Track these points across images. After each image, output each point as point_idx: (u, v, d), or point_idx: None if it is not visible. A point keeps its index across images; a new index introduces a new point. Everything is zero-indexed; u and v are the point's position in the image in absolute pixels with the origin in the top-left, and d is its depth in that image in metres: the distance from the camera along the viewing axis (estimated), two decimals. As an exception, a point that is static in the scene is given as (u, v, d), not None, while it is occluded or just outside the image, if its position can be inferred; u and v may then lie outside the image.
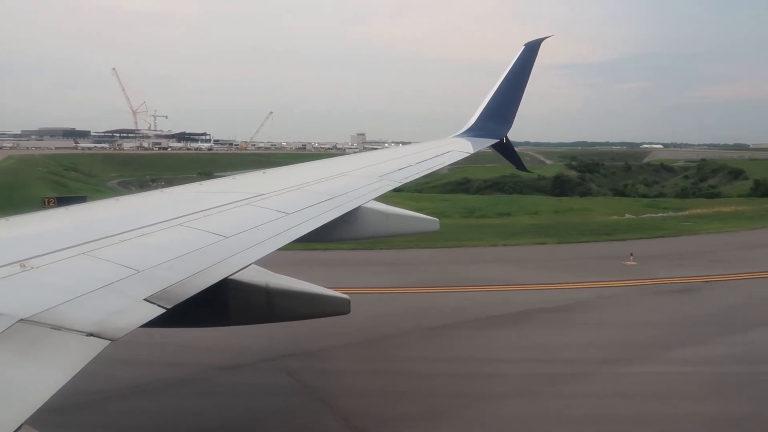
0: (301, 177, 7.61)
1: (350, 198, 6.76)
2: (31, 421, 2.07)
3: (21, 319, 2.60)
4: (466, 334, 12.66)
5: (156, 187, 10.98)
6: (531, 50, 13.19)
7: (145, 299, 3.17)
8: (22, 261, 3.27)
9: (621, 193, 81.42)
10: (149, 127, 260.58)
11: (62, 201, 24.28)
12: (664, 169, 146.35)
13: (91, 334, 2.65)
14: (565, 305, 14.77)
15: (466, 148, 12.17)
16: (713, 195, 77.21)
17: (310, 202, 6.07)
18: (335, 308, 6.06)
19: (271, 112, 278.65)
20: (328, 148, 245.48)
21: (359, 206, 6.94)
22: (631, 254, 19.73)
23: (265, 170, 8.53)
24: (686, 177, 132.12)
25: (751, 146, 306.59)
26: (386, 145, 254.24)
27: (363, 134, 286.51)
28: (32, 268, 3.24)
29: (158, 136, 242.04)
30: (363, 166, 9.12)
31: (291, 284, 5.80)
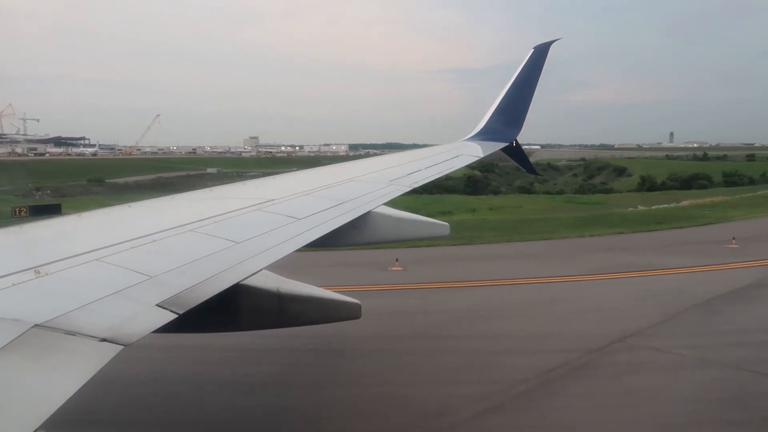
0: (310, 182, 7.64)
1: (360, 203, 6.76)
2: (46, 425, 2.09)
3: (36, 325, 2.62)
4: (732, 310, 14.23)
5: (42, 196, 11.04)
6: (540, 53, 13.16)
7: (157, 305, 3.18)
8: (36, 267, 3.31)
9: (528, 191, 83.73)
10: (18, 132, 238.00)
11: (35, 210, 24.09)
12: (551, 168, 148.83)
13: (104, 340, 2.67)
14: (758, 282, 16.79)
15: (475, 151, 12.16)
16: (607, 191, 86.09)
17: (320, 208, 6.08)
18: (346, 313, 6.06)
19: (158, 115, 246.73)
20: (221, 152, 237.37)
21: (369, 211, 6.94)
22: (734, 238, 22.36)
23: (274, 176, 8.57)
24: (575, 175, 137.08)
25: (615, 146, 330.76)
26: (283, 148, 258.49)
27: (256, 137, 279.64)
28: (46, 274, 3.28)
29: (31, 141, 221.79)
30: (372, 171, 9.13)
31: (302, 289, 5.81)
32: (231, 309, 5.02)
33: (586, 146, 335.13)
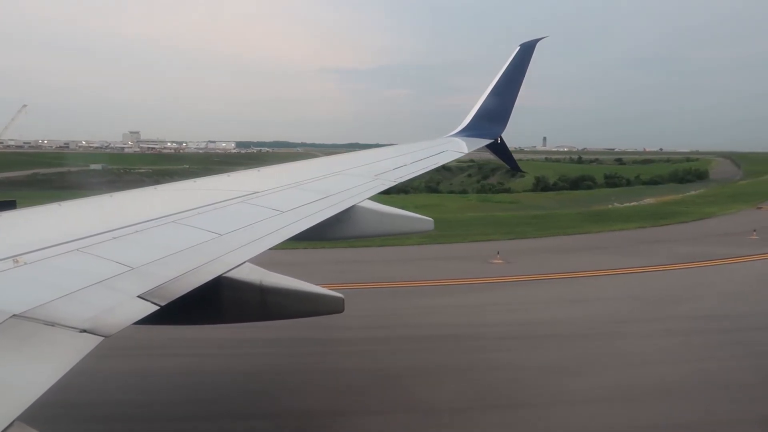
0: (296, 175, 7.60)
1: (345, 197, 6.75)
2: (24, 417, 2.06)
3: (14, 315, 2.58)
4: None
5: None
6: (526, 50, 13.22)
7: (139, 296, 3.15)
8: (15, 257, 3.25)
9: (434, 190, 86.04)
10: None
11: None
12: (444, 168, 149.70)
13: (84, 331, 2.64)
14: None
15: (460, 148, 12.19)
16: (504, 190, 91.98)
17: (304, 201, 6.06)
18: (329, 307, 6.05)
19: (25, 105, 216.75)
20: (97, 147, 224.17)
21: (354, 205, 6.93)
22: (754, 230, 24.34)
23: (259, 168, 8.51)
24: (469, 175, 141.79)
25: (544, 149, 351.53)
26: (168, 144, 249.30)
27: (137, 132, 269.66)
28: (25, 263, 3.23)
29: None
30: (358, 165, 9.11)
31: (285, 282, 5.78)
32: (213, 301, 4.99)
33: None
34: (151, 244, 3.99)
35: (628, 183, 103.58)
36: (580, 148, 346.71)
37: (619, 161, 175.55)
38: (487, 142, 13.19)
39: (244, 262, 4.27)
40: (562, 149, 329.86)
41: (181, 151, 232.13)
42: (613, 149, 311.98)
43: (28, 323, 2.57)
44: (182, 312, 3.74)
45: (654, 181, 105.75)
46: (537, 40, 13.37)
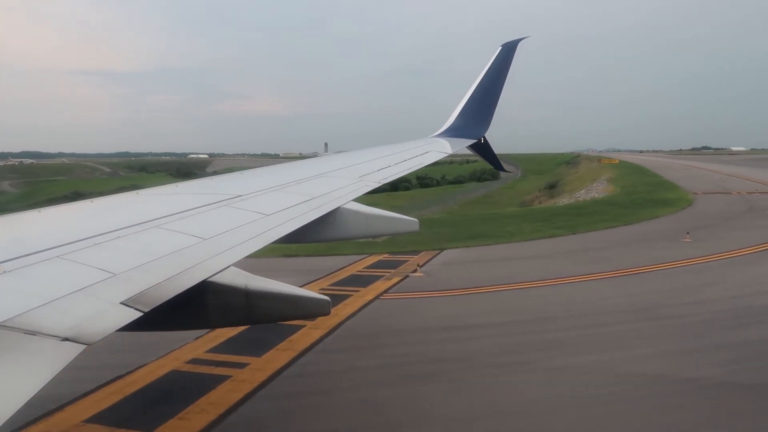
0: (279, 177, 7.57)
1: (330, 199, 6.74)
2: (5, 428, 2.04)
3: None
4: None
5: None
6: (508, 51, 13.31)
7: (121, 303, 3.13)
8: None
9: None
10: None
11: None
12: None
13: (66, 339, 2.61)
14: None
15: (444, 148, 12.24)
16: None
17: (289, 203, 6.04)
18: (315, 310, 6.03)
19: None
20: None
21: (338, 207, 6.93)
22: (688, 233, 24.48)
23: (243, 171, 8.47)
24: None
25: (281, 155, 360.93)
26: None
27: None
28: (5, 272, 3.18)
29: None
30: (342, 166, 9.10)
31: (271, 286, 5.76)
32: (198, 306, 4.96)
33: (256, 155, 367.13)
34: (134, 250, 3.95)
35: (438, 183, 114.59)
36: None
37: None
38: (471, 142, 13.26)
39: (229, 266, 4.25)
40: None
41: None
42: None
43: (8, 333, 2.54)
44: (166, 318, 3.71)
45: (459, 180, 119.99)
46: (519, 40, 13.47)
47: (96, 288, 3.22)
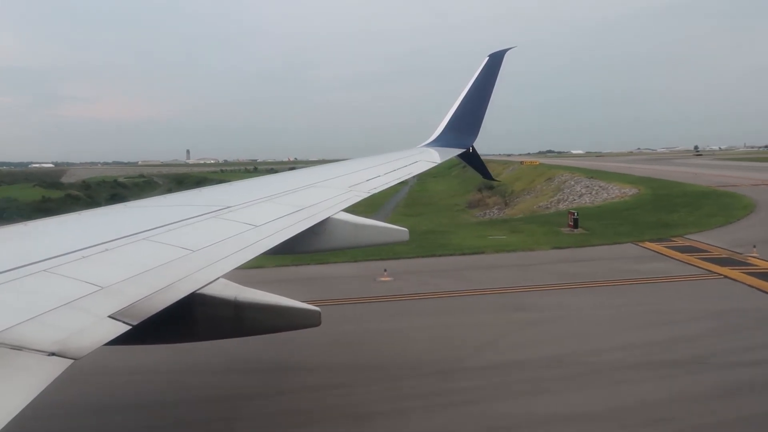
0: (269, 188, 7.56)
1: (319, 209, 6.74)
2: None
3: None
4: None
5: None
6: (495, 60, 13.43)
7: (109, 316, 3.09)
8: None
9: None
10: None
11: None
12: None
13: (53, 354, 2.58)
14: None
15: (433, 157, 12.30)
16: None
17: (278, 214, 6.03)
18: (305, 321, 6.00)
19: None
20: None
21: (328, 217, 6.92)
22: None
23: (232, 182, 8.45)
24: (170, 189, 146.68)
25: (139, 163, 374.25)
26: None
27: None
28: None
29: None
30: (332, 177, 9.12)
31: (260, 297, 5.73)
32: (187, 319, 4.92)
33: (108, 163, 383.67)
34: (122, 263, 3.92)
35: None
36: (221, 160, 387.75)
37: (293, 168, 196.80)
38: (459, 151, 13.34)
39: (218, 278, 4.23)
40: (208, 161, 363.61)
41: None
42: (256, 159, 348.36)
43: None
44: (155, 331, 3.68)
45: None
46: (505, 51, 13.60)
47: (83, 301, 3.19)
